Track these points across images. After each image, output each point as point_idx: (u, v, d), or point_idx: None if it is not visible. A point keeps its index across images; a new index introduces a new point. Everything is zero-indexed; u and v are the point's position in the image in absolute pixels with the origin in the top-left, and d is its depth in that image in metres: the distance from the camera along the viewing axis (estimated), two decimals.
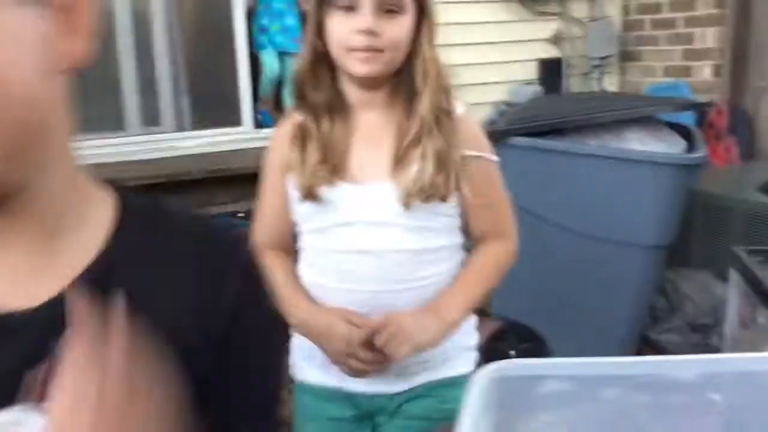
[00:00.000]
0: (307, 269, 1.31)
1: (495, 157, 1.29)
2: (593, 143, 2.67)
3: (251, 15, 3.75)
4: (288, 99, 3.60)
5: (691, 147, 2.63)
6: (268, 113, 3.71)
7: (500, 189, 1.31)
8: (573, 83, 4.31)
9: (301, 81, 1.23)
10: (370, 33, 1.12)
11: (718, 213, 2.89)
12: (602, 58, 4.27)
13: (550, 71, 4.24)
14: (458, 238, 1.30)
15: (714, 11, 3.91)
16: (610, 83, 4.45)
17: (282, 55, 3.67)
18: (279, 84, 3.72)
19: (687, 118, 3.52)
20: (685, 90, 3.94)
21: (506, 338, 2.83)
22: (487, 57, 4.03)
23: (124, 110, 3.62)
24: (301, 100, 1.24)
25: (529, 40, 4.18)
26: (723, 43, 3.90)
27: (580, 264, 2.67)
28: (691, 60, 4.06)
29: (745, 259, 1.72)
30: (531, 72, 4.23)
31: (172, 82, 3.83)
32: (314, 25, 1.19)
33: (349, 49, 1.15)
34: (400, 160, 1.20)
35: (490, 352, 2.77)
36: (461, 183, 1.21)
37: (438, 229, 1.24)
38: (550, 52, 4.26)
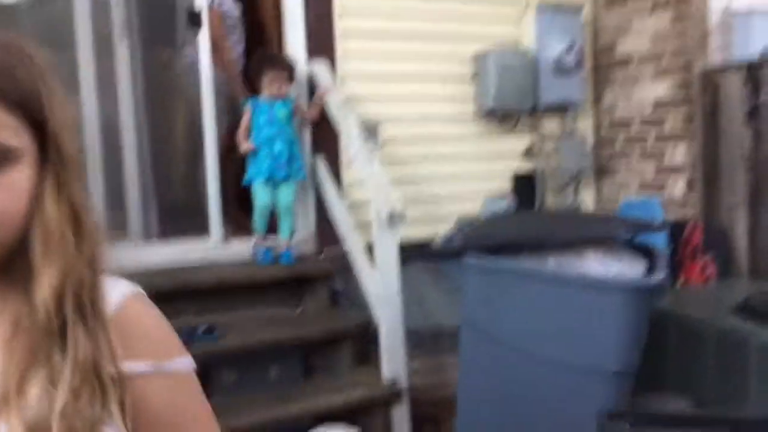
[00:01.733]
0: None
1: (186, 362, 0.86)
2: (552, 261, 2.61)
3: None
4: (284, 230, 3.53)
5: (652, 266, 2.53)
6: (268, 250, 3.53)
7: (197, 407, 0.88)
8: (548, 197, 4.29)
9: None
10: None
11: (691, 337, 2.80)
12: (576, 173, 4.26)
13: (525, 185, 4.23)
14: None
15: (683, 126, 3.92)
16: (586, 197, 4.42)
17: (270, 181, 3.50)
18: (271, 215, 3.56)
19: (660, 236, 3.45)
20: (656, 206, 3.90)
21: None
22: (463, 169, 4.06)
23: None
24: None
25: (503, 154, 4.21)
26: (694, 158, 3.88)
27: (542, 390, 2.52)
28: (664, 175, 4.04)
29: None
30: (506, 184, 4.22)
31: (140, 193, 3.81)
32: None
33: None
34: (18, 384, 0.74)
35: None
36: (123, 414, 0.77)
37: None
38: (526, 166, 4.27)
